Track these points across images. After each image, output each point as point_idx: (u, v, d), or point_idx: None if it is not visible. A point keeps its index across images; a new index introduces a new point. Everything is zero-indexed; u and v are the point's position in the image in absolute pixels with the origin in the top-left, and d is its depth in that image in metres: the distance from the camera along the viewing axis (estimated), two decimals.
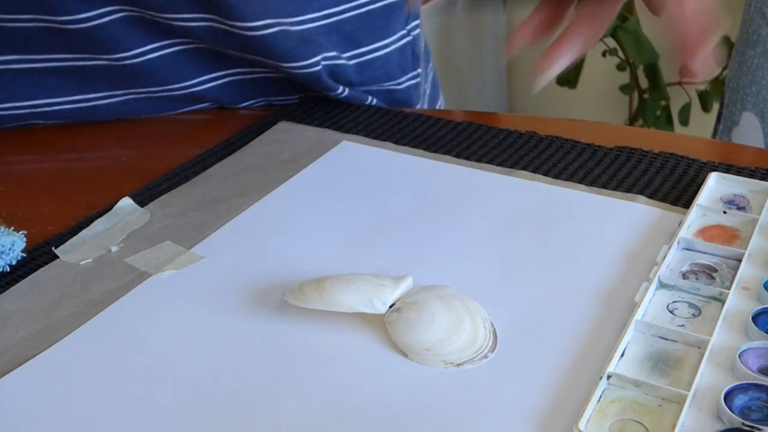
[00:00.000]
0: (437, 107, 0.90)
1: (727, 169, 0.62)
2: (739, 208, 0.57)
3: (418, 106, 0.82)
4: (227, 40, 0.70)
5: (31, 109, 0.73)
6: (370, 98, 0.77)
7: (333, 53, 0.73)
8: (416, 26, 0.79)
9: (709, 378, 0.44)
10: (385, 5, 0.75)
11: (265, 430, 0.42)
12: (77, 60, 0.71)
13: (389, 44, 0.76)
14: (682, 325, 0.47)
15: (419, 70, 0.81)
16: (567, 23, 0.53)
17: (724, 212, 0.56)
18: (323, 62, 0.72)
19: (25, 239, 0.56)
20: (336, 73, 0.74)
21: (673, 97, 1.76)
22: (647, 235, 0.55)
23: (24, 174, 0.69)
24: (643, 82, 1.77)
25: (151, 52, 0.71)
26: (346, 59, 0.74)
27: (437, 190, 0.61)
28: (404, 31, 0.77)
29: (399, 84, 0.79)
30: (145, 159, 0.70)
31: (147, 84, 0.73)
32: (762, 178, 0.60)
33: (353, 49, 0.75)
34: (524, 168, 0.64)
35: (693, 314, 0.48)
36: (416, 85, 0.81)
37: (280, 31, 0.69)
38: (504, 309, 0.49)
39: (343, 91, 0.74)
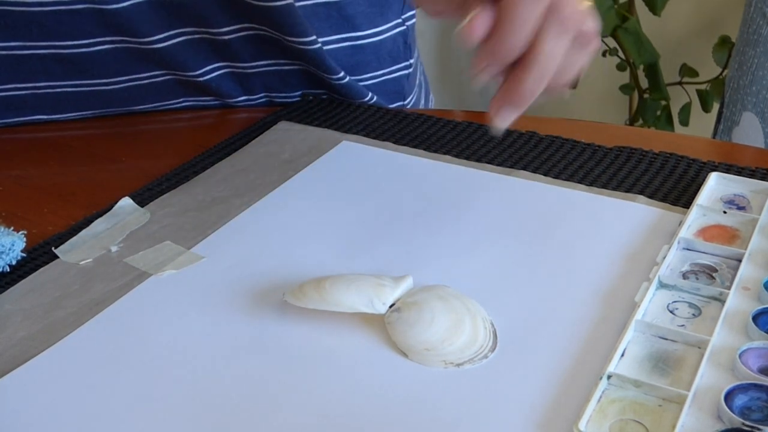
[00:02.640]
0: (430, 100, 0.90)
1: (727, 169, 0.62)
2: (739, 208, 0.57)
3: (411, 97, 0.83)
4: (236, 8, 0.71)
5: (34, 90, 0.73)
6: (370, 94, 0.77)
7: (326, 37, 0.74)
8: (411, 16, 0.80)
9: (710, 378, 0.44)
10: None
11: (265, 430, 0.42)
12: (80, 47, 0.71)
13: (383, 32, 0.77)
14: (682, 325, 0.47)
15: (411, 61, 0.81)
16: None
17: (724, 212, 0.56)
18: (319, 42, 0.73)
19: (25, 239, 0.56)
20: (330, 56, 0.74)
21: (674, 97, 1.76)
22: (647, 235, 0.55)
23: (24, 174, 0.69)
24: (643, 82, 1.77)
25: (165, 39, 0.72)
26: (338, 41, 0.75)
27: (437, 190, 0.61)
28: (399, 20, 0.78)
29: (391, 73, 0.79)
30: (145, 159, 0.70)
31: (157, 68, 0.74)
32: (762, 178, 0.60)
33: (349, 32, 0.75)
34: (524, 168, 0.64)
35: (693, 314, 0.48)
36: (408, 75, 0.81)
37: (287, 5, 0.70)
38: (504, 309, 0.49)
39: (344, 77, 0.75)
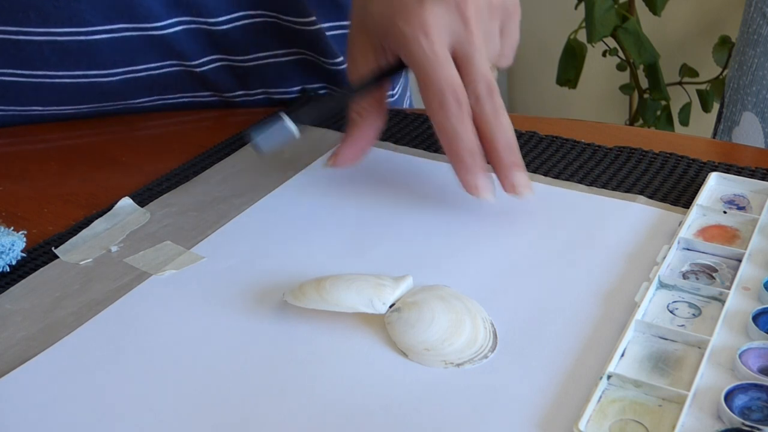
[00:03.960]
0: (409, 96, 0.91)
1: (727, 169, 0.62)
2: (739, 208, 0.57)
3: (398, 88, 0.83)
4: None
5: (31, 78, 0.73)
6: None
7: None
8: None
9: (709, 378, 0.44)
10: None
11: (265, 430, 0.42)
12: (78, 35, 0.71)
13: None
14: (682, 325, 0.47)
15: None
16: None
17: (725, 212, 0.56)
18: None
19: (25, 239, 0.56)
20: None
21: (674, 97, 1.76)
22: (647, 235, 0.55)
23: (24, 174, 0.69)
24: (643, 82, 1.77)
25: (164, 28, 0.72)
26: (331, 29, 0.75)
27: (437, 190, 0.61)
28: None
29: None
30: (145, 159, 0.70)
31: (155, 59, 0.74)
32: (762, 178, 0.60)
33: (342, 20, 0.75)
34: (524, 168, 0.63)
35: (693, 314, 0.48)
36: None
37: None
38: (504, 309, 0.49)
39: (343, 62, 0.75)
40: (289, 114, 0.55)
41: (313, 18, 0.72)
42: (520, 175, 0.56)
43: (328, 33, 0.75)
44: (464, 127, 0.55)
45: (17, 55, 0.72)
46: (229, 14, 0.72)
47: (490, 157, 0.56)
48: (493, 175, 0.57)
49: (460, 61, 0.55)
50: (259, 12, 0.72)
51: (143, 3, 0.70)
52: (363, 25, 0.58)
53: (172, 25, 0.72)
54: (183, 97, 0.77)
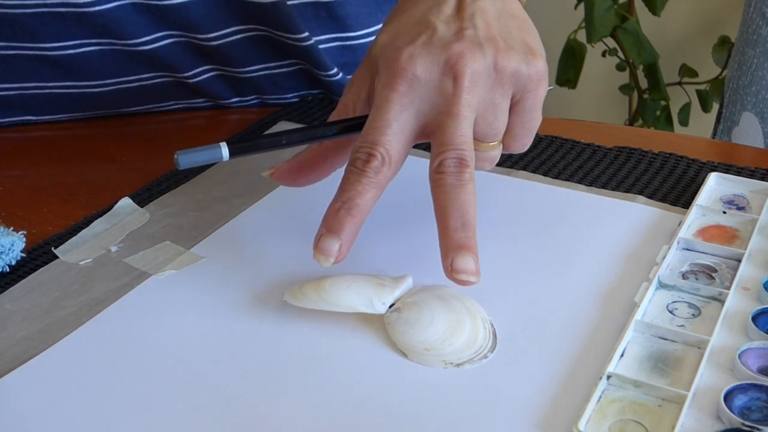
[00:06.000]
0: None
1: (727, 169, 0.62)
2: (739, 208, 0.57)
3: None
4: (226, 11, 0.71)
5: (21, 90, 0.73)
6: None
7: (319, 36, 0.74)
8: None
9: (709, 378, 0.44)
10: None
11: (265, 430, 0.42)
12: (65, 49, 0.71)
13: (374, 33, 0.76)
14: (682, 326, 0.47)
15: None
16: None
17: (724, 212, 0.56)
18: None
19: (24, 239, 0.56)
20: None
21: (673, 97, 1.76)
22: (647, 235, 0.55)
23: (24, 174, 0.69)
24: (643, 82, 1.77)
25: (152, 42, 0.71)
26: (327, 41, 0.75)
27: None
28: None
29: None
30: (145, 159, 0.70)
31: (146, 70, 0.73)
32: (761, 178, 0.60)
33: (339, 32, 0.75)
34: (524, 168, 0.64)
35: (693, 314, 0.48)
36: None
37: (279, 2, 0.69)
38: (504, 309, 0.49)
39: (337, 73, 0.75)
40: (229, 145, 0.50)
41: (306, 34, 0.72)
42: (466, 259, 0.47)
43: (322, 46, 0.74)
44: (358, 186, 0.49)
45: (6, 69, 0.71)
46: (219, 30, 0.71)
47: (439, 234, 0.48)
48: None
49: (435, 126, 0.50)
50: (250, 26, 0.72)
51: (126, 20, 0.69)
52: (370, 51, 0.54)
53: (158, 39, 0.71)
54: (177, 104, 0.77)
